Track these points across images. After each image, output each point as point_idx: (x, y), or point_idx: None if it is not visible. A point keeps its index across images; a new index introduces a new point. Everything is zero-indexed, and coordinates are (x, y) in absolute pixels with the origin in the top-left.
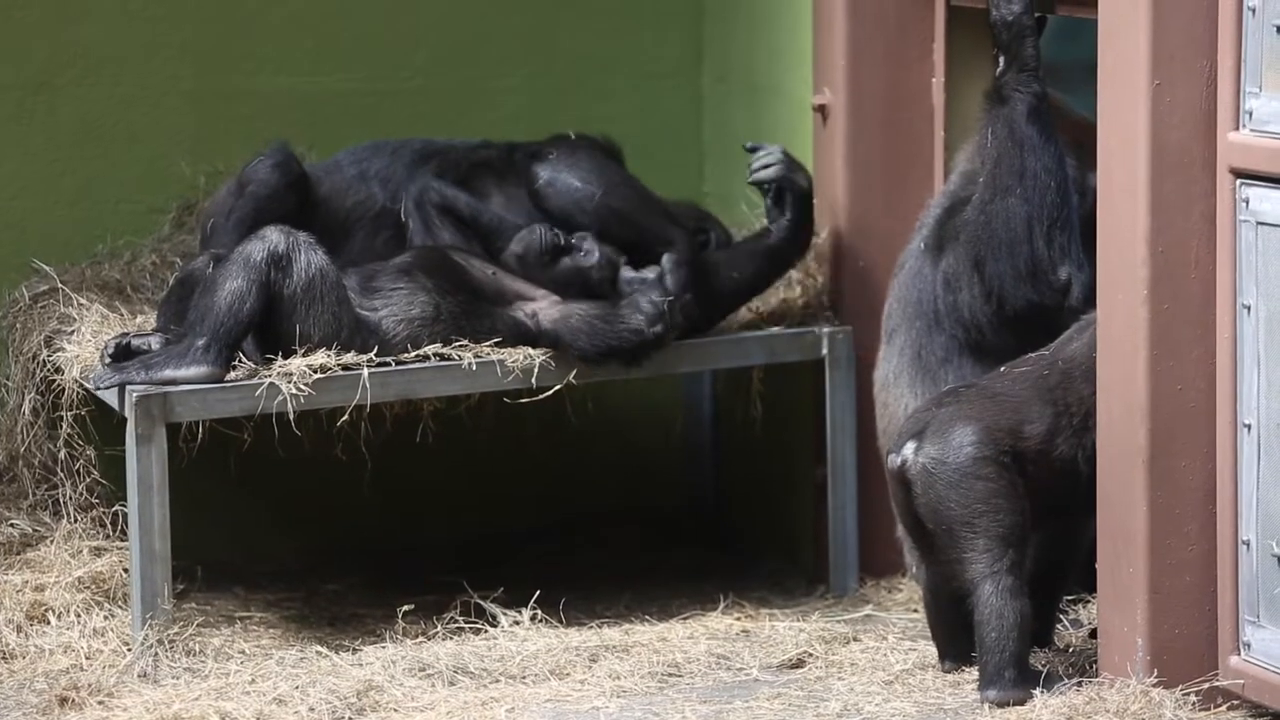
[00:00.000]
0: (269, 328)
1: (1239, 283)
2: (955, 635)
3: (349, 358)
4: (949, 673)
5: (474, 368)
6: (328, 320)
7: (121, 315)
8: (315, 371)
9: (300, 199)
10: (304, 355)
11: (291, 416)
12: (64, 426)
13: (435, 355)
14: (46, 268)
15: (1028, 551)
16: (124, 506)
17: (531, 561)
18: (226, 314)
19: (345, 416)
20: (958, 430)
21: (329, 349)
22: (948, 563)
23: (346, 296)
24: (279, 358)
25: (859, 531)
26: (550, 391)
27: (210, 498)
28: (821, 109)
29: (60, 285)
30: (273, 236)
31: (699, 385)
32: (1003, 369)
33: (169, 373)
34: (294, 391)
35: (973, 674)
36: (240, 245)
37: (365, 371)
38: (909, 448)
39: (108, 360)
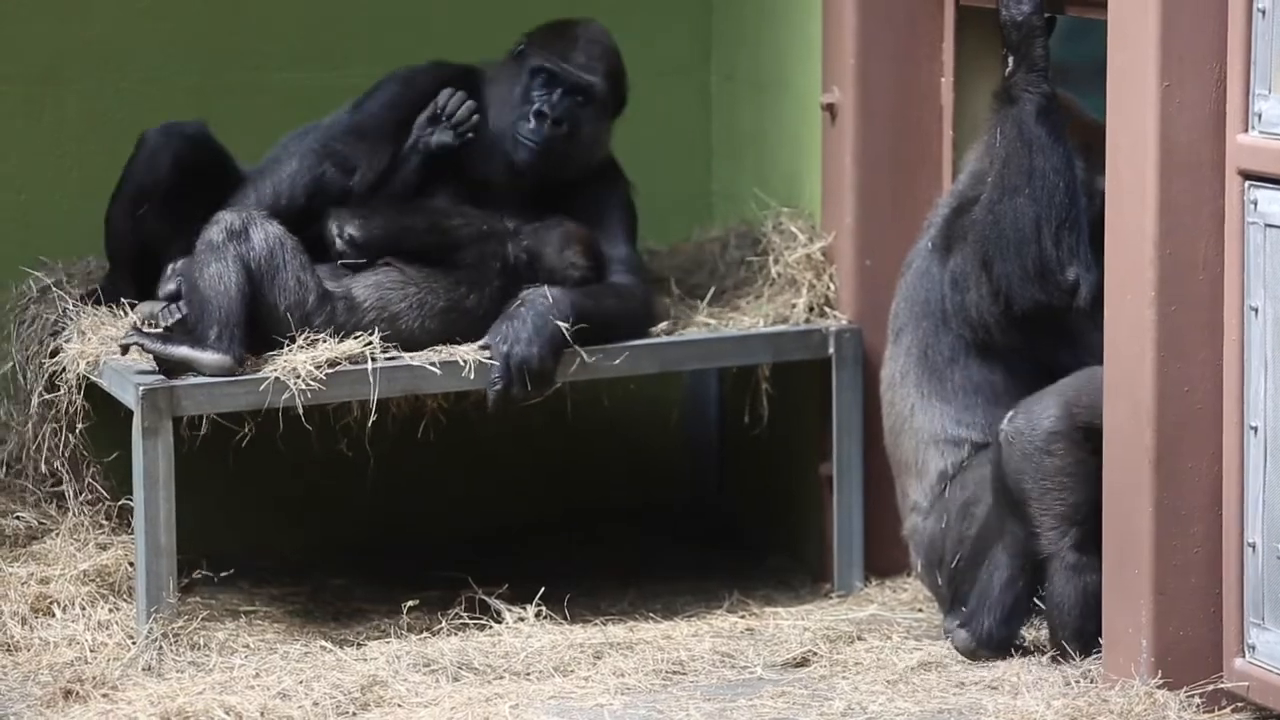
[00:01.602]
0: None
1: (1247, 285)
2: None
3: (353, 344)
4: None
5: (473, 372)
6: (293, 287)
7: (126, 310)
8: (321, 366)
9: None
10: (303, 340)
11: (300, 410)
12: (69, 420)
13: (440, 352)
14: (54, 262)
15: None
16: (130, 500)
17: (536, 558)
18: (220, 297)
19: (356, 413)
20: (1042, 403)
21: (299, 320)
22: (1023, 528)
23: (310, 264)
24: (283, 350)
25: (865, 531)
26: (552, 389)
27: (216, 492)
28: (830, 107)
29: (60, 283)
30: (225, 216)
31: (705, 383)
32: None
33: (185, 350)
34: (300, 386)
35: (980, 670)
36: (200, 238)
37: (369, 366)
38: (1008, 415)
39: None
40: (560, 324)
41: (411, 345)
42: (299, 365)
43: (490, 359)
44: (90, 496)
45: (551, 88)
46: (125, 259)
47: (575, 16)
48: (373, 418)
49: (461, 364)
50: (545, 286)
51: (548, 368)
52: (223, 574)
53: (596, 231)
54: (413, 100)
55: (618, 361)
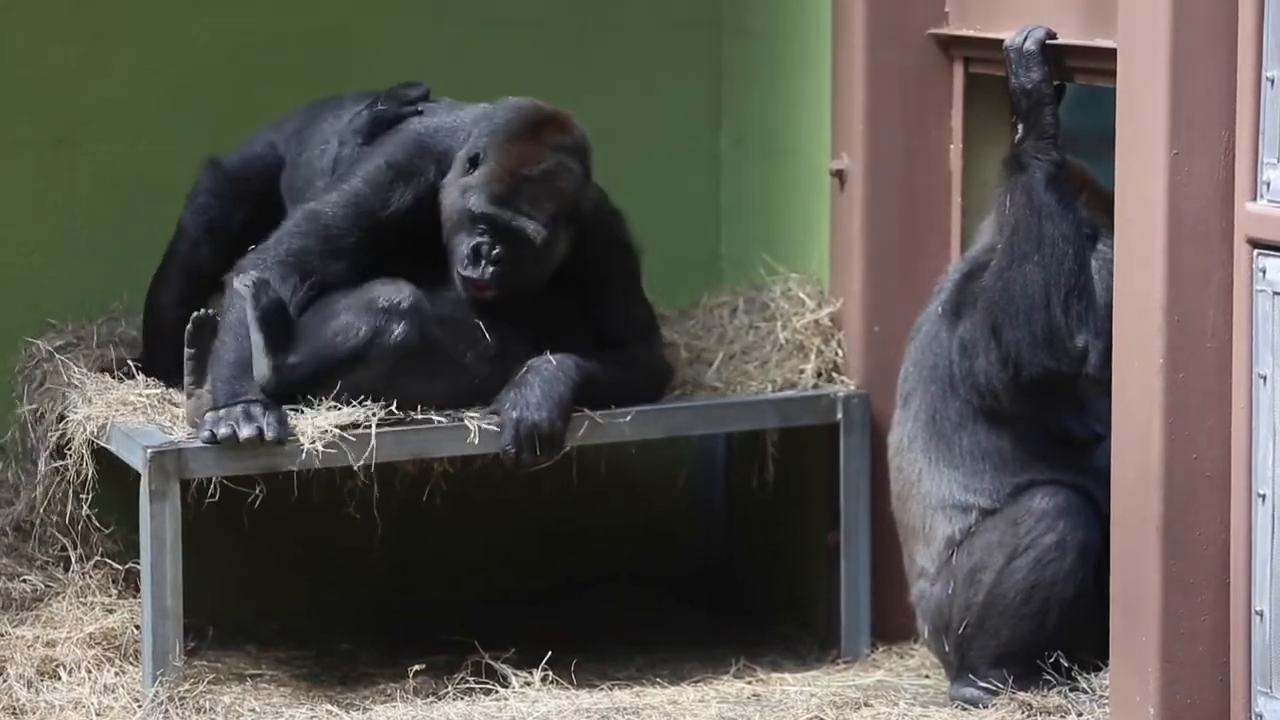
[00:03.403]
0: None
1: (1255, 352)
2: None
3: (360, 410)
4: None
5: (478, 437)
6: None
7: (135, 368)
8: (328, 431)
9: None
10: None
11: (316, 463)
12: (77, 483)
13: (447, 417)
14: (63, 324)
15: None
16: (137, 563)
17: (543, 622)
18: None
19: (363, 477)
20: None
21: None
22: None
23: None
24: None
25: (872, 596)
26: (561, 454)
27: (223, 555)
28: (839, 173)
29: (70, 345)
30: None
31: (713, 447)
32: None
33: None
34: (309, 449)
35: None
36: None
37: (375, 429)
38: None
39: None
40: (567, 390)
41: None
42: (309, 428)
43: (499, 425)
44: (97, 559)
45: (493, 230)
46: (170, 337)
47: (547, 118)
48: (375, 482)
49: (469, 429)
50: (549, 354)
51: (557, 432)
52: (229, 637)
53: (598, 294)
54: (379, 210)
55: (626, 425)
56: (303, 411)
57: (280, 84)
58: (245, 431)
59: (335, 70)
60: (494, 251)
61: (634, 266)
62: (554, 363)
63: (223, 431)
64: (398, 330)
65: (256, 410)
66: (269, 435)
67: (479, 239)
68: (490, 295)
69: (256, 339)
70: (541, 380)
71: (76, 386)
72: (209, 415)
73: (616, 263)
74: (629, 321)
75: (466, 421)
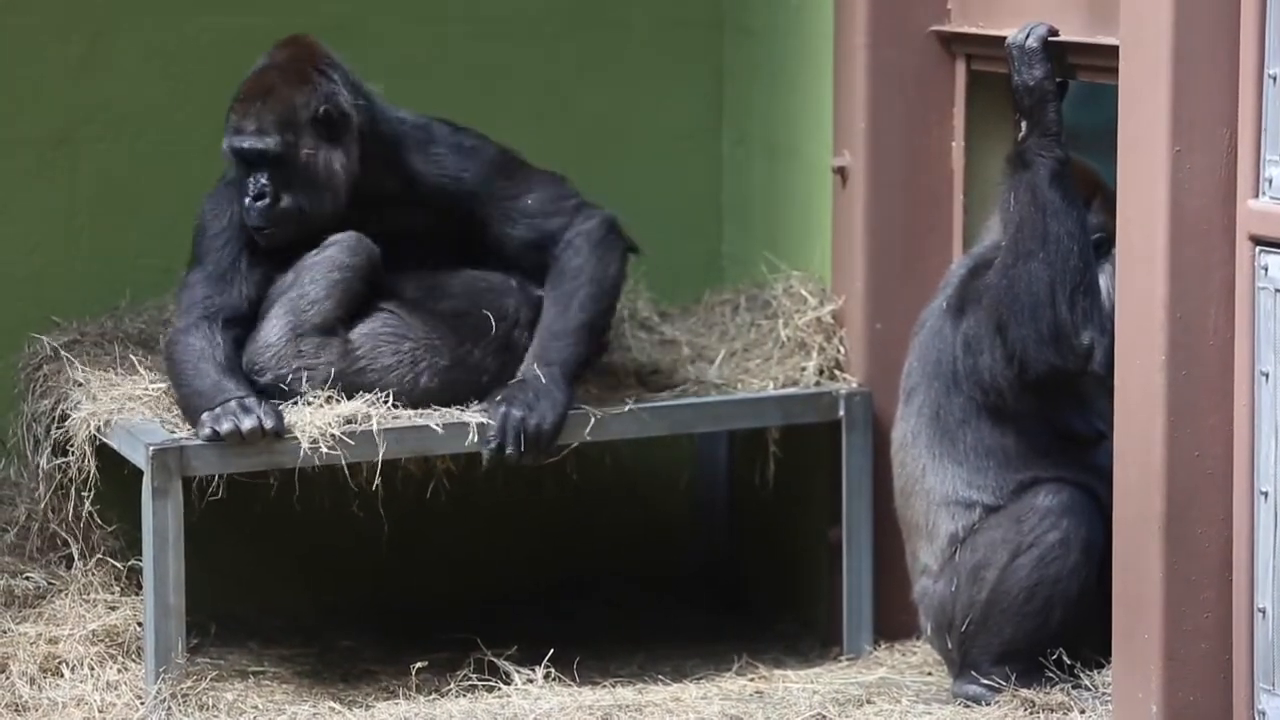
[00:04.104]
0: None
1: (1257, 350)
2: None
3: (359, 404)
4: None
5: (476, 435)
6: None
7: (138, 364)
8: (332, 426)
9: None
10: (319, 398)
11: (317, 465)
12: (79, 480)
13: (447, 414)
14: (67, 322)
15: None
16: (139, 560)
17: (545, 620)
18: None
19: (365, 474)
20: None
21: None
22: None
23: None
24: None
25: (874, 594)
26: (555, 458)
27: (225, 552)
28: (841, 171)
29: (73, 343)
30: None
31: (714, 447)
32: None
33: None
34: (310, 447)
35: None
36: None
37: (376, 425)
38: None
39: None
40: (560, 398)
41: (410, 403)
42: (309, 425)
43: (489, 420)
44: (99, 556)
45: (244, 164)
46: None
47: (278, 44)
48: (379, 479)
49: (468, 426)
50: (536, 365)
51: (544, 431)
52: (231, 634)
53: (488, 211)
54: (226, 223)
55: (627, 424)
56: (297, 403)
57: None
58: (247, 424)
59: None
60: (257, 184)
61: (495, 157)
62: (543, 379)
63: (225, 427)
64: (332, 249)
65: (251, 403)
66: (268, 425)
67: (245, 180)
68: (272, 233)
69: None
70: (535, 388)
71: (80, 384)
72: (205, 415)
73: (467, 166)
74: (532, 214)
75: (466, 419)
